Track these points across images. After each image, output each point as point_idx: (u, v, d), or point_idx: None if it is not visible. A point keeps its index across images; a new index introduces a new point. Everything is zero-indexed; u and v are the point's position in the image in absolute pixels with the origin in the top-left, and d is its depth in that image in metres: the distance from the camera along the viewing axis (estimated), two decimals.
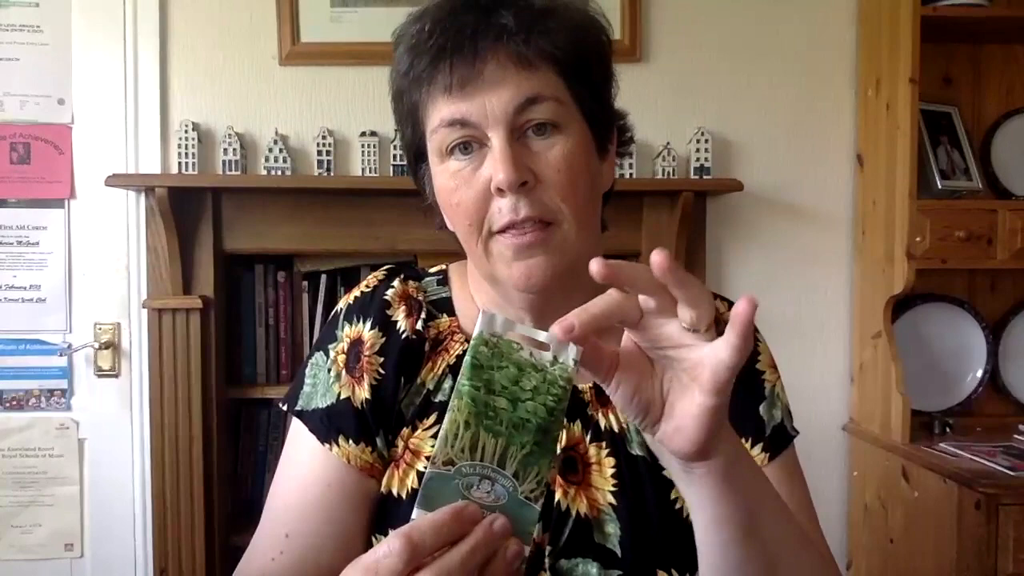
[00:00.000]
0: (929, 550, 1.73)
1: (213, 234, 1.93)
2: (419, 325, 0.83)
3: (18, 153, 2.00)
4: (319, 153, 1.99)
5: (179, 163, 1.96)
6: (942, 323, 2.10)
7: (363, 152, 1.99)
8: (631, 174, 2.00)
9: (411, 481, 0.79)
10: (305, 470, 0.81)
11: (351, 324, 0.84)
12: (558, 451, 0.79)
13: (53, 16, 2.00)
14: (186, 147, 1.95)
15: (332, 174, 1.99)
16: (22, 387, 2.02)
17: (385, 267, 0.90)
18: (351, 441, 0.80)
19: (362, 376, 0.81)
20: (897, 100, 1.88)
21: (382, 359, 0.82)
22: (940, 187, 1.99)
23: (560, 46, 0.74)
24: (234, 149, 1.97)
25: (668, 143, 2.02)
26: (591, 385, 0.82)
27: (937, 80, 2.10)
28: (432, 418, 0.80)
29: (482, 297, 0.85)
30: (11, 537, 2.01)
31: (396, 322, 0.83)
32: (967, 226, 1.88)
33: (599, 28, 0.79)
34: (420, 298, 0.86)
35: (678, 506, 0.79)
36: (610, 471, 0.79)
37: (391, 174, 2.00)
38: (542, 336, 0.56)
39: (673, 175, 2.01)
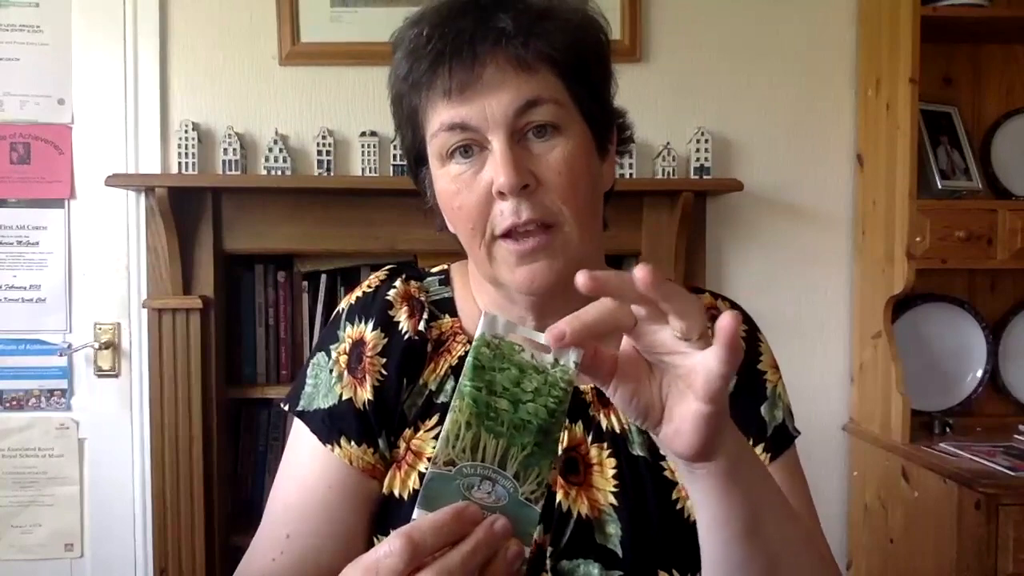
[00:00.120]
0: (929, 550, 1.73)
1: (213, 234, 1.93)
2: (421, 326, 0.83)
3: (18, 153, 2.00)
4: (319, 153, 1.99)
5: (179, 163, 1.96)
6: (942, 323, 2.10)
7: (363, 152, 1.99)
8: (631, 174, 2.00)
9: (413, 482, 0.79)
10: (306, 471, 0.81)
11: (353, 324, 0.84)
12: (559, 452, 0.79)
13: (53, 16, 2.00)
14: (186, 147, 1.95)
15: (332, 174, 1.99)
16: (22, 387, 2.02)
17: (387, 267, 0.90)
18: (353, 442, 0.80)
19: (364, 377, 0.81)
20: (897, 100, 1.88)
21: (384, 360, 0.82)
22: (940, 187, 1.99)
23: (558, 48, 0.74)
24: (234, 149, 1.97)
25: (668, 143, 2.02)
26: (592, 386, 0.82)
27: (937, 80, 2.10)
28: (434, 419, 0.80)
29: (484, 298, 0.85)
30: (11, 537, 2.01)
31: (398, 323, 0.83)
32: (967, 226, 1.88)
33: (597, 28, 0.79)
34: (422, 298, 0.86)
35: (679, 506, 0.79)
36: (611, 472, 0.79)
37: (391, 174, 2.00)
38: (543, 339, 0.56)
39: (673, 175, 2.01)
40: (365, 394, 0.81)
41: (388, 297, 0.85)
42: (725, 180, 2.01)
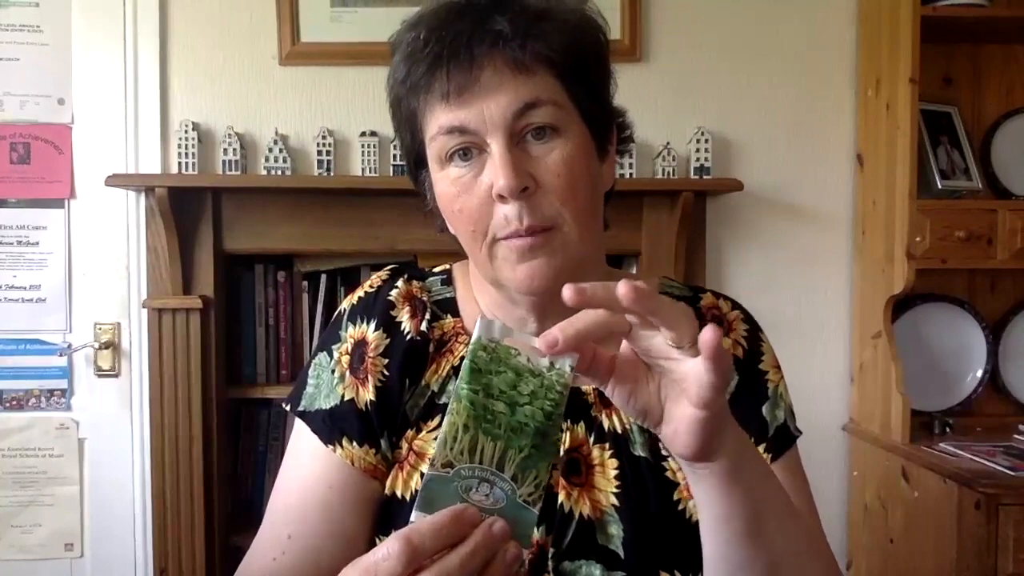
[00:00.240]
0: (929, 550, 1.73)
1: (213, 234, 1.93)
2: (423, 326, 0.83)
3: (18, 153, 2.00)
4: (319, 153, 1.99)
5: (179, 163, 1.96)
6: (942, 323, 2.10)
7: (363, 152, 1.99)
8: (631, 174, 2.00)
9: (415, 483, 0.79)
10: (307, 471, 0.81)
11: (355, 325, 0.84)
12: (561, 453, 0.79)
13: (53, 16, 2.00)
14: (186, 147, 1.95)
15: (332, 174, 1.99)
16: (22, 387, 2.02)
17: (389, 267, 0.90)
18: (355, 443, 0.80)
19: (366, 378, 0.81)
20: (897, 100, 1.88)
21: (386, 361, 0.82)
22: (940, 187, 1.99)
23: (556, 49, 0.73)
24: (234, 149, 1.97)
25: (668, 143, 2.02)
26: (595, 387, 0.82)
27: (937, 80, 2.09)
28: (436, 420, 0.80)
29: (485, 299, 0.85)
30: (11, 537, 2.01)
31: (400, 323, 0.83)
32: (967, 226, 1.88)
33: (596, 28, 0.79)
34: (424, 299, 0.86)
35: (681, 507, 0.79)
36: (613, 472, 0.79)
37: (391, 174, 2.00)
38: (537, 343, 0.57)
39: (673, 175, 2.01)
40: (367, 395, 0.81)
41: (390, 297, 0.85)
42: (725, 180, 2.01)
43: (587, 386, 0.82)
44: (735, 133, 2.09)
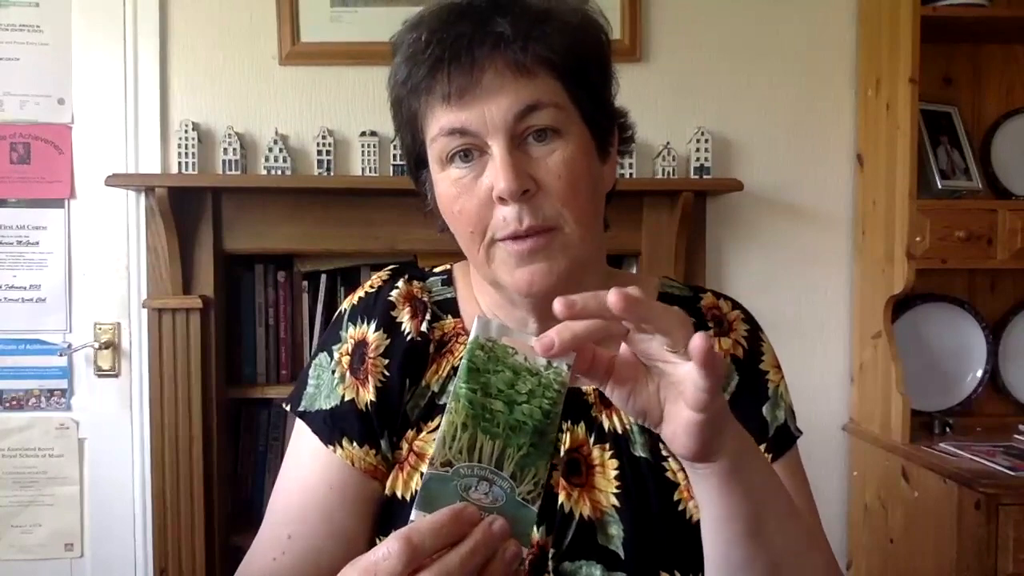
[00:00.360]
0: (929, 550, 1.73)
1: (213, 234, 1.93)
2: (424, 327, 0.83)
3: (18, 153, 2.00)
4: (319, 153, 1.99)
5: (179, 163, 1.96)
6: (942, 323, 2.10)
7: (363, 152, 1.99)
8: (631, 174, 2.00)
9: (415, 484, 0.79)
10: (307, 471, 0.81)
11: (355, 325, 0.84)
12: (561, 453, 0.80)
13: (53, 16, 2.00)
14: (186, 147, 1.95)
15: (332, 174, 1.99)
16: (22, 387, 2.02)
17: (389, 267, 0.90)
18: (355, 443, 0.80)
19: (367, 378, 0.81)
20: (897, 100, 1.88)
21: (387, 361, 0.82)
22: (940, 187, 1.99)
23: (557, 51, 0.73)
24: (234, 149, 1.97)
25: (668, 143, 2.02)
26: (595, 387, 0.82)
27: (937, 80, 2.09)
28: (436, 420, 0.80)
29: (485, 299, 0.85)
30: (11, 537, 2.01)
31: (401, 323, 0.83)
32: (967, 226, 1.88)
33: (597, 28, 0.79)
34: (425, 299, 0.86)
35: (681, 507, 0.79)
36: (613, 473, 0.79)
37: (391, 174, 2.00)
38: (534, 343, 0.57)
39: (673, 175, 2.01)
40: (367, 395, 0.81)
41: (390, 298, 0.85)
42: (725, 180, 2.01)
43: (587, 386, 0.82)
44: (735, 133, 2.09)
